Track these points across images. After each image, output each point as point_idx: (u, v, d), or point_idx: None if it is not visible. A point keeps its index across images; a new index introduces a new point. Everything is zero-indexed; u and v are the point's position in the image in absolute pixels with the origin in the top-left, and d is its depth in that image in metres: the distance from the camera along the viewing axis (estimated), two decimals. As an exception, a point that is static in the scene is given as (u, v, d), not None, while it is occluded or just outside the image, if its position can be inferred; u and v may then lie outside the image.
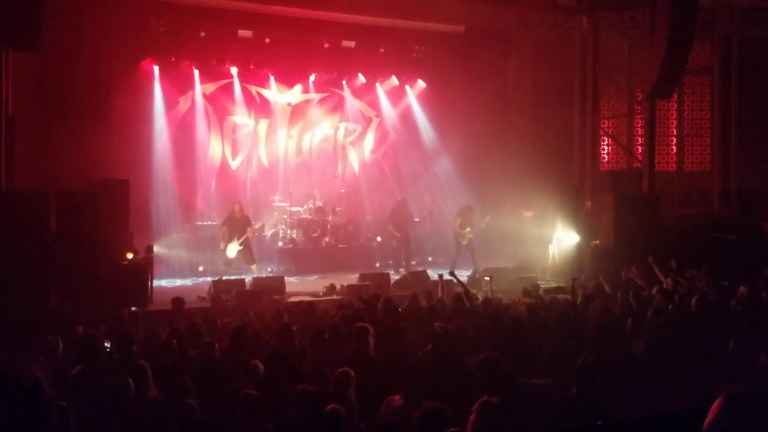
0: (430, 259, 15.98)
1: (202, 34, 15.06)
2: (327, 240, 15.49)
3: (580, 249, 13.24)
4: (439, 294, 9.79)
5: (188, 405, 4.89)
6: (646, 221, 13.29)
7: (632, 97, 17.39)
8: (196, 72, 15.67)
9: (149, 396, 5.43)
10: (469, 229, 14.21)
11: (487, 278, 10.47)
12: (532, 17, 17.08)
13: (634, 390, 5.59)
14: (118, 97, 14.05)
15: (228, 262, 13.08)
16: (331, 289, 12.06)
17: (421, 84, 17.64)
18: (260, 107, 16.61)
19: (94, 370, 5.86)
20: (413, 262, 15.22)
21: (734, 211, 17.16)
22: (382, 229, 15.88)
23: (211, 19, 14.89)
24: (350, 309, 8.49)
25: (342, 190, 16.71)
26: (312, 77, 16.75)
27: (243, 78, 16.17)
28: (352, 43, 16.20)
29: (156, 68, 15.20)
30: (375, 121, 17.83)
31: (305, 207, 15.77)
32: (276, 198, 16.02)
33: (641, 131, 16.50)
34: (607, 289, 9.84)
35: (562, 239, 13.61)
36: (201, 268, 14.21)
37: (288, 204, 15.46)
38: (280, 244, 15.31)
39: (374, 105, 17.69)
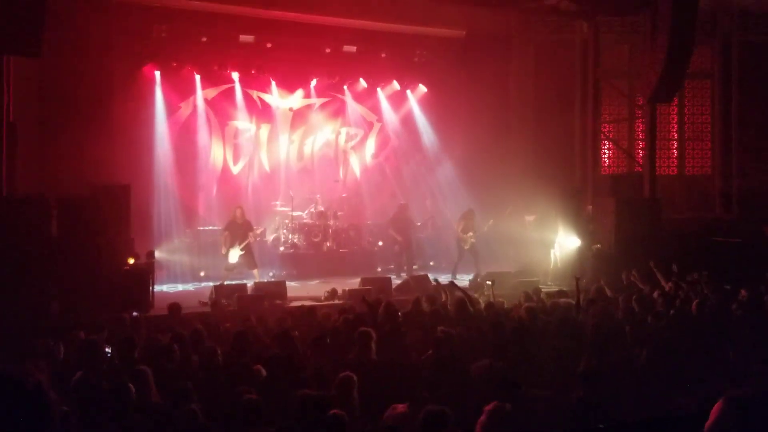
0: (431, 263, 16.00)
1: (204, 39, 15.06)
2: (328, 245, 15.48)
3: (582, 253, 13.25)
4: (443, 298, 9.78)
5: (190, 410, 4.89)
6: (647, 225, 13.30)
7: (633, 101, 17.41)
8: (198, 77, 15.71)
9: (151, 401, 5.43)
10: (471, 233, 14.23)
11: (488, 282, 10.47)
12: (532, 22, 17.12)
13: (636, 393, 5.59)
14: (119, 103, 14.08)
15: (229, 267, 13.08)
16: (333, 293, 12.05)
17: (422, 89, 17.66)
18: (262, 112, 16.64)
19: (96, 375, 5.86)
20: (415, 267, 15.23)
21: (735, 214, 17.17)
22: (383, 233, 15.88)
23: (212, 25, 14.90)
24: (352, 313, 8.48)
25: (343, 195, 16.74)
26: (313, 82, 16.79)
27: (244, 83, 16.21)
28: (354, 48, 16.21)
29: (157, 73, 15.24)
30: (376, 126, 17.86)
31: (307, 212, 15.79)
32: (277, 203, 16.04)
33: (642, 135, 16.51)
34: (609, 293, 9.84)
35: (563, 243, 13.61)
36: (202, 273, 14.20)
37: (289, 209, 15.47)
38: (282, 248, 15.32)
39: (375, 110, 17.72)
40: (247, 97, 16.36)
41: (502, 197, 15.80)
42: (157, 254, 12.69)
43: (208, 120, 16.06)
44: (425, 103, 17.66)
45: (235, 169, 16.48)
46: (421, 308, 8.84)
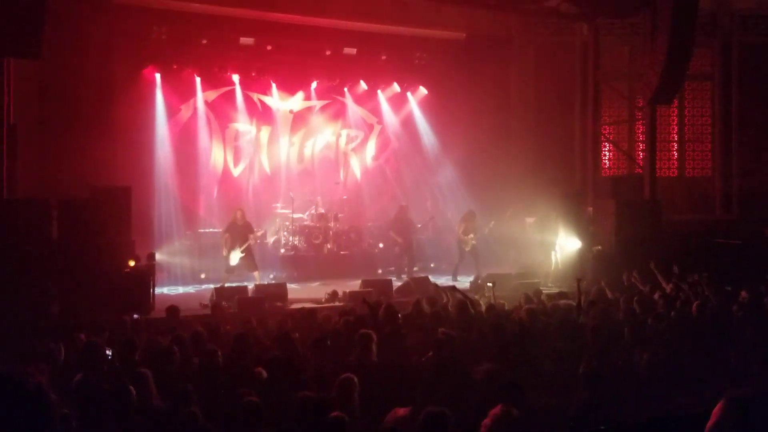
0: (432, 265, 16.00)
1: (204, 41, 15.10)
2: (329, 247, 15.48)
3: (582, 255, 13.24)
4: (444, 300, 9.77)
5: (191, 412, 4.89)
6: (647, 227, 13.30)
7: (633, 103, 17.41)
8: (198, 79, 15.73)
9: (151, 403, 5.43)
10: (472, 235, 14.25)
11: (489, 284, 10.47)
12: (532, 24, 17.13)
13: (637, 395, 5.58)
14: (119, 105, 14.08)
15: (230, 269, 13.07)
16: (334, 295, 12.04)
17: (423, 91, 17.68)
18: (262, 114, 16.66)
19: (96, 377, 5.86)
20: (415, 269, 15.23)
21: (736, 216, 17.17)
22: (384, 235, 15.88)
23: (212, 27, 14.92)
24: (353, 315, 8.48)
25: (344, 197, 16.75)
26: (314, 84, 16.80)
27: (245, 85, 16.22)
28: (354, 50, 16.23)
29: (158, 76, 15.25)
30: (377, 128, 17.87)
31: (307, 214, 15.79)
32: (278, 205, 16.05)
33: (642, 137, 16.51)
34: (609, 294, 9.83)
35: (564, 245, 13.61)
36: (203, 276, 14.20)
37: (290, 211, 15.48)
38: (282, 251, 15.32)
39: (376, 112, 17.73)
40: (248, 100, 16.37)
41: (503, 199, 15.82)
42: (158, 256, 12.67)
43: (209, 122, 16.08)
44: (425, 105, 17.68)
45: (236, 171, 16.49)
46: (422, 310, 8.84)
